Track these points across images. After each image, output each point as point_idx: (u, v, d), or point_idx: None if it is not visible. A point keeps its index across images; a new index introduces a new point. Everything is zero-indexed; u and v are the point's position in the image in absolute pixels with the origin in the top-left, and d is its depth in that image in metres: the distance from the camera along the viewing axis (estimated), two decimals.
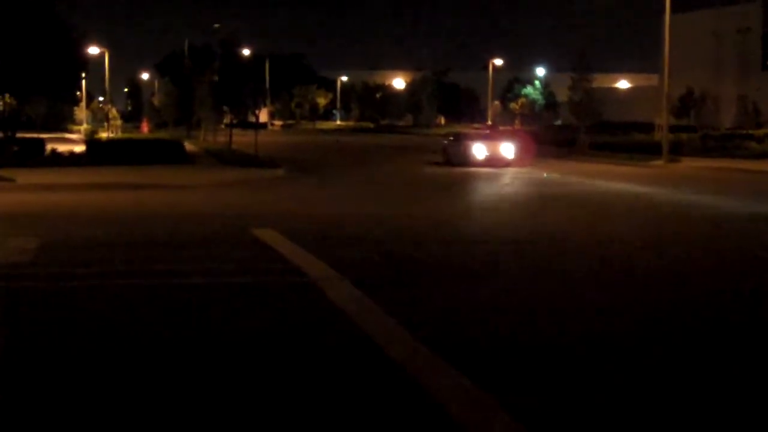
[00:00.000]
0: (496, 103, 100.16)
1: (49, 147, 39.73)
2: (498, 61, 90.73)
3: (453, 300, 9.93)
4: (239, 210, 20.36)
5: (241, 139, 49.54)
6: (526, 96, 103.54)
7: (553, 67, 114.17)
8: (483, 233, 16.30)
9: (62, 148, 43.07)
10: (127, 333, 8.33)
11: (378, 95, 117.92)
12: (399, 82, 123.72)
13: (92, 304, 9.55)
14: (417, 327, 8.41)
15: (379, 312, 9.10)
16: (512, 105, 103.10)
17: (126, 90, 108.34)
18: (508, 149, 36.81)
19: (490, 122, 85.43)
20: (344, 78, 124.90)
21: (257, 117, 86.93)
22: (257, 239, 14.70)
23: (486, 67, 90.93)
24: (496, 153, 36.35)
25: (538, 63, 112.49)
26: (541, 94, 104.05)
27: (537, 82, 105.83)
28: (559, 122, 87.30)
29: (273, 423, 5.94)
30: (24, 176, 28.17)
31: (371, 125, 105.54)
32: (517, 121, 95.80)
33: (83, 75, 50.14)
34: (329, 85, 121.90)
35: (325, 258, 12.44)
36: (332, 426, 5.89)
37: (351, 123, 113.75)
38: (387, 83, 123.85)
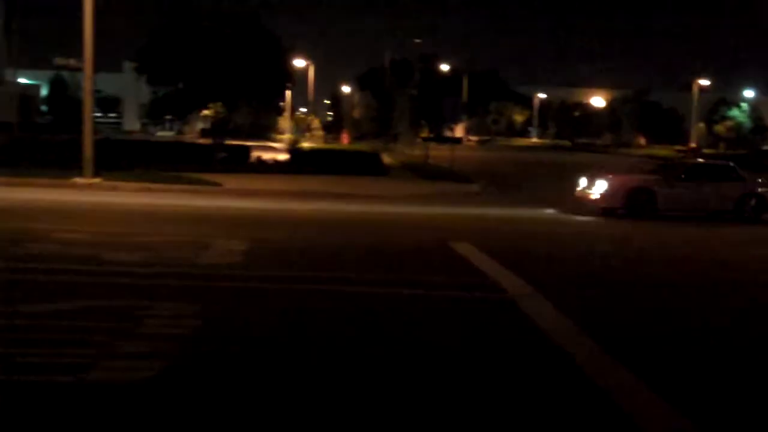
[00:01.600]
0: (701, 125, 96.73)
1: (253, 154, 41.30)
2: (704, 82, 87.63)
3: (661, 327, 9.64)
4: (436, 223, 20.51)
5: (437, 153, 49.87)
6: (732, 118, 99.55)
7: (763, 90, 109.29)
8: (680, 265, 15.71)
9: (266, 156, 44.71)
10: (322, 337, 8.52)
11: (576, 113, 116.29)
12: (598, 101, 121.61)
13: (292, 306, 9.83)
14: (614, 348, 8.22)
15: (576, 330, 8.96)
16: (717, 128, 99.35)
17: (327, 102, 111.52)
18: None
19: (693, 145, 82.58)
20: (541, 95, 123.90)
21: (453, 132, 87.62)
22: (454, 252, 14.77)
23: (690, 87, 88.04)
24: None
25: (747, 85, 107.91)
26: (749, 117, 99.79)
27: (744, 105, 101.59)
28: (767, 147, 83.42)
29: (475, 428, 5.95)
30: (230, 181, 29.35)
31: (568, 143, 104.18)
32: (722, 145, 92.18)
33: (289, 86, 51.86)
34: (526, 101, 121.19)
35: (523, 274, 12.36)
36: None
37: (547, 140, 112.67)
38: (585, 101, 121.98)
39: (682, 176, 23.91)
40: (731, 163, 25.25)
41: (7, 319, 8.52)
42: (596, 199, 23.44)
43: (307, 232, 17.49)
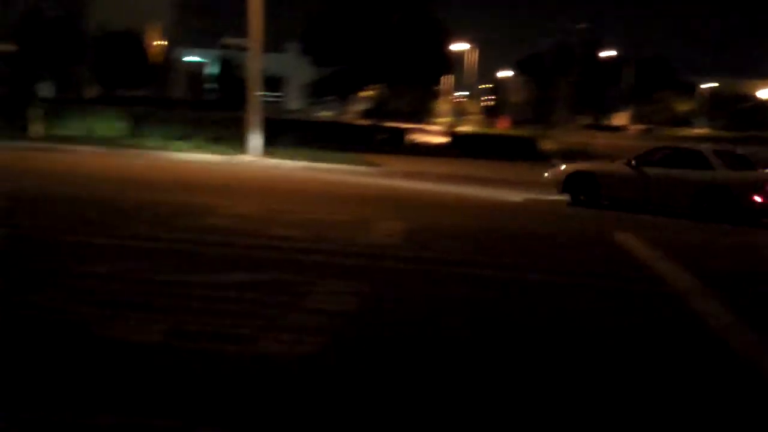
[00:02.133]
0: None
1: (410, 137, 41.48)
2: None
3: None
4: (595, 213, 20.07)
5: (597, 141, 48.90)
6: None
7: None
8: None
9: (423, 139, 44.84)
10: (487, 323, 8.43)
11: (747, 104, 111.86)
12: (766, 93, 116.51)
13: (457, 289, 9.77)
14: None
15: (748, 330, 8.57)
16: None
17: (485, 86, 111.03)
18: None
19: None
20: (708, 84, 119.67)
21: (614, 120, 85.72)
22: (617, 243, 14.42)
23: None
24: None
25: None
26: None
27: None
28: None
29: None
30: (389, 163, 29.56)
31: (734, 135, 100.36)
32: None
33: (449, 70, 51.87)
34: (690, 90, 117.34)
35: (691, 268, 11.93)
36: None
37: (713, 132, 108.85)
38: (754, 93, 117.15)
39: (634, 162, 20.54)
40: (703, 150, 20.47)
41: (179, 289, 8.78)
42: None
43: (465, 216, 17.41)
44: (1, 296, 8.11)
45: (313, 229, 13.50)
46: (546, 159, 38.04)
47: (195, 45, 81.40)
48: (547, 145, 45.28)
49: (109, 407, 5.42)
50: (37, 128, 32.23)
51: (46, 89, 40.85)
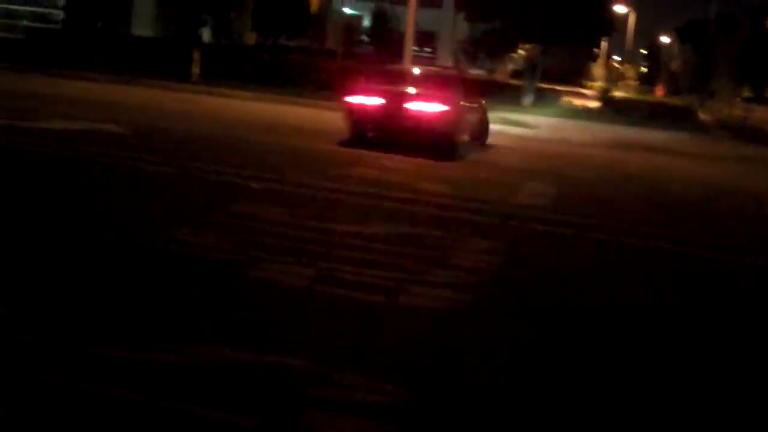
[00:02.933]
0: None
1: (563, 99, 40.73)
2: None
3: None
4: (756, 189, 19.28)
5: (759, 114, 46.89)
6: None
7: None
8: None
9: (576, 101, 44.00)
10: (640, 298, 8.22)
11: None
12: None
13: (602, 256, 9.57)
14: None
15: None
16: None
17: (644, 51, 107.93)
18: None
19: None
20: None
21: None
22: None
23: None
24: None
25: None
26: None
27: None
28: None
29: None
30: (540, 123, 29.15)
31: None
32: None
33: (607, 34, 50.56)
34: None
35: None
36: None
37: None
38: None
39: None
40: None
41: (327, 237, 8.88)
42: None
43: (618, 182, 17.00)
44: (158, 232, 8.38)
45: (462, 186, 13.43)
46: (703, 129, 36.78)
47: None
48: (704, 115, 43.76)
49: (252, 346, 5.53)
50: (197, 70, 33.10)
51: (206, 34, 41.84)
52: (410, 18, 27.84)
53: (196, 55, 33.25)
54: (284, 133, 19.35)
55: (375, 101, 17.26)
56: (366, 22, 72.34)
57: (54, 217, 8.65)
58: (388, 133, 17.30)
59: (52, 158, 12.31)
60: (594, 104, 41.86)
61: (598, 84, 67.49)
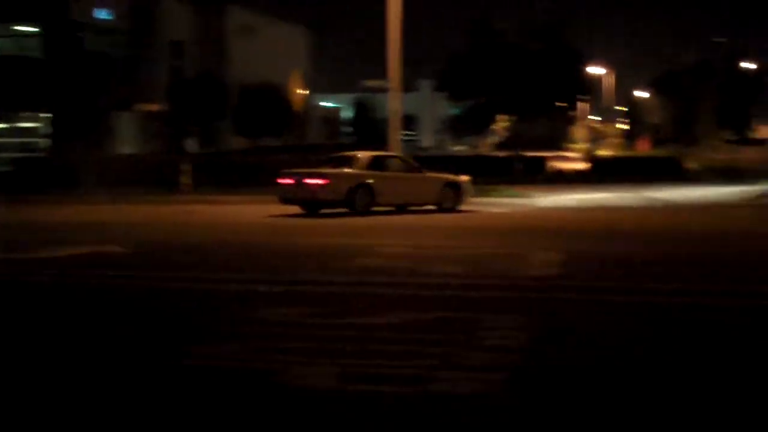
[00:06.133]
0: None
1: (549, 165, 40.99)
2: None
3: None
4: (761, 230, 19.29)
5: (743, 155, 47.28)
6: None
7: None
8: None
9: (561, 165, 44.25)
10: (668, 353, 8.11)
11: None
12: None
13: (632, 319, 9.47)
14: None
15: None
16: None
17: (621, 108, 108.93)
18: None
19: None
20: None
21: (757, 133, 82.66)
22: None
23: None
24: None
25: None
26: None
27: None
28: None
29: None
30: (535, 193, 29.23)
31: None
32: None
33: (585, 95, 51.21)
34: None
35: None
36: None
37: None
38: None
39: None
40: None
41: (344, 332, 8.77)
42: None
43: (620, 241, 16.99)
44: (176, 348, 8.27)
45: (469, 263, 13.37)
46: (692, 179, 36.99)
47: (329, 90, 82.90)
48: (691, 163, 44.07)
49: None
50: (187, 182, 33.31)
51: (190, 145, 42.18)
52: (394, 103, 28.14)
53: (185, 166, 33.49)
54: (286, 233, 19.36)
55: (290, 179, 23.63)
56: (346, 114, 73.17)
57: (81, 345, 8.53)
58: (296, 200, 23.64)
59: (62, 286, 12.21)
60: (580, 166, 42.10)
61: (582, 145, 68.04)
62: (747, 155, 47.81)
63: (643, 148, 72.94)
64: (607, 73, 68.17)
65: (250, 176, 34.19)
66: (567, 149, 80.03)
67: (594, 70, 60.72)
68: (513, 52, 37.92)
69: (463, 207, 24.58)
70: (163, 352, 8.08)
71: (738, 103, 64.13)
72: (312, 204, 23.52)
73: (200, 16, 56.79)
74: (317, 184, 22.80)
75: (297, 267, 13.47)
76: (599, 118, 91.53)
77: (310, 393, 6.76)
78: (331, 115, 75.15)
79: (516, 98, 38.64)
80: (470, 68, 39.23)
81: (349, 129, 73.13)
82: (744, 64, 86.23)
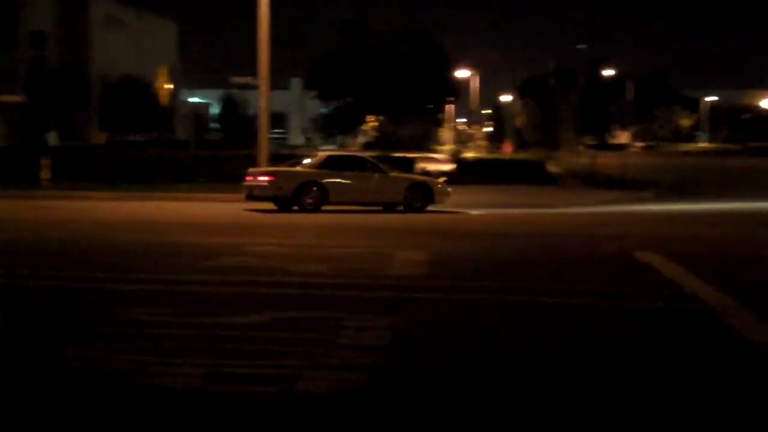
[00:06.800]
0: None
1: (418, 166, 41.44)
2: None
3: None
4: (613, 231, 20.02)
5: (603, 160, 48.85)
6: None
7: None
8: None
9: (430, 167, 44.81)
10: (515, 349, 8.37)
11: (746, 116, 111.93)
12: None
13: (482, 316, 9.73)
14: None
15: None
16: None
17: (487, 112, 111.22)
18: None
19: None
20: (710, 98, 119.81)
21: (617, 138, 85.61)
22: (639, 262, 14.36)
23: None
24: None
25: None
26: None
27: None
28: None
29: None
30: None
31: (737, 147, 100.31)
32: None
33: (452, 99, 52.06)
34: (693, 105, 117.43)
35: (717, 283, 11.87)
36: None
37: (716, 145, 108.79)
38: (755, 103, 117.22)
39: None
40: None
41: (208, 331, 8.73)
42: None
43: (480, 243, 17.38)
44: (39, 347, 8.07)
45: (335, 263, 13.46)
46: (553, 182, 38.04)
47: (198, 86, 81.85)
48: (553, 167, 45.28)
49: None
50: (47, 176, 32.35)
51: (52, 138, 40.97)
52: (263, 100, 28.01)
53: (44, 161, 32.53)
54: (155, 231, 19.05)
55: (249, 176, 24.41)
56: (215, 110, 72.30)
57: None
58: (256, 197, 24.41)
59: None
60: (446, 167, 42.72)
61: (448, 147, 69.12)
62: (605, 161, 49.38)
63: (507, 150, 74.64)
64: (473, 76, 69.46)
65: (115, 171, 33.47)
66: (434, 150, 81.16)
67: (461, 73, 61.74)
68: (381, 53, 38.25)
69: (440, 208, 24.64)
70: (11, 353, 7.89)
71: (598, 108, 66.30)
72: (273, 201, 24.13)
73: (64, 6, 55.25)
74: (265, 181, 23.59)
75: (159, 266, 13.29)
76: (465, 121, 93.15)
77: (171, 393, 6.72)
78: (199, 111, 74.26)
79: (385, 99, 39.00)
80: (339, 68, 39.38)
81: (218, 125, 72.38)
82: (604, 71, 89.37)
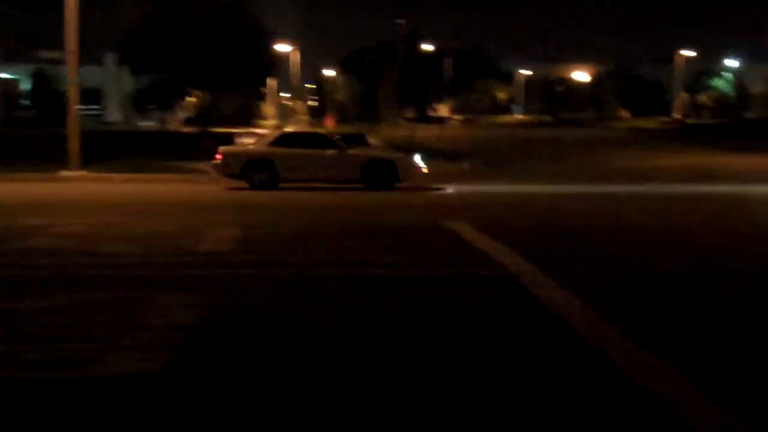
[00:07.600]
0: (684, 95, 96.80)
1: (241, 140, 41.08)
2: (688, 53, 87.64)
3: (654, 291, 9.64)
4: (427, 202, 20.46)
5: (422, 133, 49.85)
6: (715, 88, 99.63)
7: (746, 59, 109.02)
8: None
9: (251, 142, 44.53)
10: (316, 319, 8.48)
11: (559, 89, 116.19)
12: (582, 75, 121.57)
13: (293, 292, 9.77)
14: (615, 319, 8.27)
15: (580, 305, 8.95)
16: (701, 98, 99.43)
17: (310, 86, 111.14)
18: None
19: (678, 116, 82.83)
20: (524, 71, 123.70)
21: (437, 112, 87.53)
22: (448, 230, 14.75)
23: (674, 60, 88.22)
24: None
25: (731, 54, 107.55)
26: (732, 86, 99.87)
27: (728, 74, 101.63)
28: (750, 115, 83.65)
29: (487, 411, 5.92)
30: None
31: (551, 119, 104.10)
32: (705, 113, 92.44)
33: (272, 72, 51.76)
34: (509, 78, 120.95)
35: (521, 249, 12.35)
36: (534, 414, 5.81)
37: (531, 117, 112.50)
38: (568, 76, 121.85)
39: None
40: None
41: (6, 316, 8.43)
42: None
43: (302, 217, 17.44)
44: None
45: (143, 242, 13.21)
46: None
47: (6, 60, 78.22)
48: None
49: None
50: None
51: None
52: (71, 76, 27.04)
53: None
54: None
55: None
56: (26, 85, 69.37)
57: None
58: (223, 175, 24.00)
59: None
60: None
61: (272, 122, 68.79)
62: (424, 132, 50.35)
63: (330, 124, 74.95)
64: (293, 51, 69.27)
65: None
66: (257, 126, 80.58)
67: (281, 47, 61.45)
68: (195, 26, 37.58)
69: (413, 185, 23.58)
70: None
71: (417, 83, 67.46)
72: (234, 178, 23.83)
73: None
74: (216, 160, 23.88)
75: None
76: (289, 95, 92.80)
77: None
78: (7, 87, 71.10)
79: (203, 74, 38.37)
80: (152, 41, 38.46)
81: (29, 102, 69.49)
82: (424, 46, 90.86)
